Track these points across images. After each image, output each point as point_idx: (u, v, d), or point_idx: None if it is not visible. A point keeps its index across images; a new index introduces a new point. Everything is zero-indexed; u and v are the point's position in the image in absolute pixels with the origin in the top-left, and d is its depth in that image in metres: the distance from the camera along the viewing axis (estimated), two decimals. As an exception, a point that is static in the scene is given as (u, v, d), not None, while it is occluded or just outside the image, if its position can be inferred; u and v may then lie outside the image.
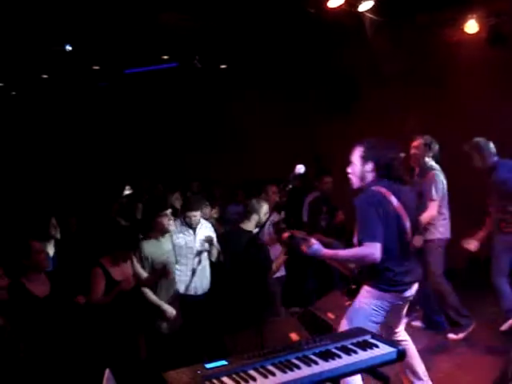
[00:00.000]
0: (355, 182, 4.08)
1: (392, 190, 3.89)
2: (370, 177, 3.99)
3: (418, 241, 5.59)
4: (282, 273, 6.47)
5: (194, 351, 5.13)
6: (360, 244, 3.85)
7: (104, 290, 4.83)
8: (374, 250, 3.74)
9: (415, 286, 4.06)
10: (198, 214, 6.13)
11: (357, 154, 4.04)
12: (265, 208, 5.99)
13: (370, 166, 3.96)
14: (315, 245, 3.97)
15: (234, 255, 5.79)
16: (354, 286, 5.83)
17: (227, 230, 6.83)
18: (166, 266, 5.43)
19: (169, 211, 5.76)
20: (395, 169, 3.99)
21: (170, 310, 5.45)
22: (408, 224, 3.93)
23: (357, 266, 4.17)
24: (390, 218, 3.83)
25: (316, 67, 9.99)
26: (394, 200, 3.86)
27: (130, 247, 5.14)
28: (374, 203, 3.81)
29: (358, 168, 4.02)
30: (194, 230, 6.10)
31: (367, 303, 3.93)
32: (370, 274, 3.95)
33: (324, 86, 10.07)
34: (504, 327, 6.02)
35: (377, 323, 3.94)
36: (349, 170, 4.11)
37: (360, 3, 7.27)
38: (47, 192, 10.23)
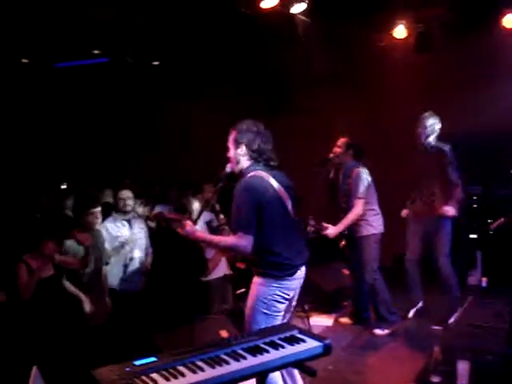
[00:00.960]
0: (233, 166, 4.07)
1: (271, 174, 3.91)
2: (243, 160, 3.97)
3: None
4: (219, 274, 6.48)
5: (124, 348, 5.08)
6: (233, 232, 3.82)
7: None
8: (246, 242, 3.72)
9: (304, 269, 3.99)
10: (130, 195, 6.10)
11: (231, 138, 4.03)
12: (196, 205, 6.00)
13: (242, 150, 3.95)
14: (189, 226, 3.99)
15: (166, 253, 5.78)
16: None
17: (159, 228, 6.80)
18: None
19: (98, 209, 5.68)
20: (267, 152, 3.97)
21: (87, 301, 5.35)
22: (290, 205, 3.95)
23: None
24: (272, 201, 3.82)
25: (249, 66, 10.05)
26: (274, 182, 3.87)
27: (50, 237, 5.04)
28: (253, 190, 3.78)
29: (233, 152, 4.02)
30: (129, 222, 6.06)
31: (263, 295, 3.81)
32: (258, 262, 3.88)
33: (256, 85, 10.15)
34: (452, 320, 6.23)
35: (279, 312, 3.85)
36: (228, 155, 4.10)
37: (292, 5, 7.36)
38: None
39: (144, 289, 6.10)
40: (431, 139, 6.36)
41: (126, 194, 6.15)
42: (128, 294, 5.95)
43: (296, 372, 3.93)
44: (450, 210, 6.21)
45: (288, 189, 3.97)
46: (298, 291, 4.02)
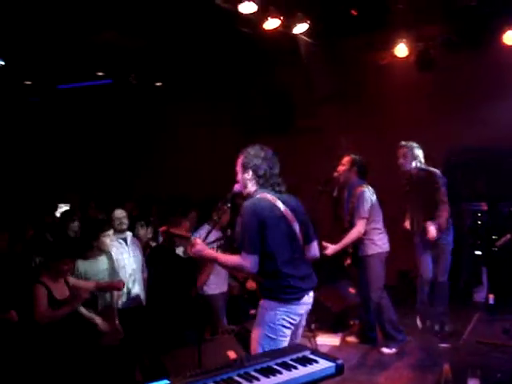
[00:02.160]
0: (241, 189, 4.08)
1: (277, 196, 3.92)
2: (250, 185, 3.99)
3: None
4: (224, 288, 6.47)
5: (132, 368, 5.07)
6: (239, 252, 3.83)
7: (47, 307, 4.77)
8: (250, 262, 3.73)
9: (312, 295, 3.97)
10: (125, 214, 6.17)
11: (239, 162, 4.05)
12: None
13: (249, 174, 3.97)
14: (198, 245, 3.99)
15: (159, 273, 5.78)
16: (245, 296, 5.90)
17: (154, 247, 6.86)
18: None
19: (111, 231, 5.75)
20: (274, 178, 3.98)
21: (102, 323, 5.37)
22: (297, 227, 3.93)
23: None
24: (278, 223, 3.83)
25: (253, 86, 10.12)
26: (280, 205, 3.88)
27: (66, 257, 5.03)
28: (258, 211, 3.79)
29: (240, 176, 4.04)
30: (125, 240, 6.11)
31: (270, 320, 3.80)
32: (264, 284, 3.88)
33: (261, 104, 10.20)
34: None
35: (285, 337, 3.83)
36: (237, 177, 4.11)
37: (294, 26, 7.42)
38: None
39: (146, 306, 6.13)
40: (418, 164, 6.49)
41: (121, 213, 6.23)
42: (128, 311, 5.96)
43: None
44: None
45: (296, 212, 3.96)
46: (304, 317, 4.00)
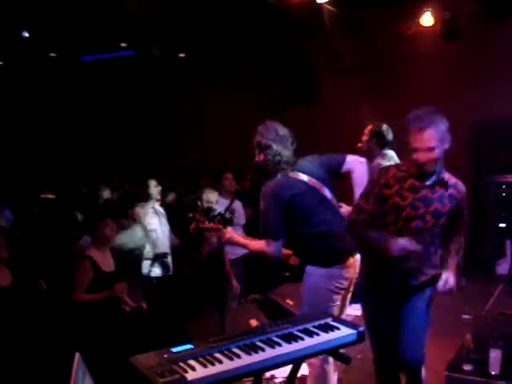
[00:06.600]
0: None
1: (297, 168, 3.82)
2: (267, 164, 3.84)
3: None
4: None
5: (155, 335, 5.11)
6: (262, 237, 3.80)
7: (91, 283, 4.83)
8: (273, 248, 3.73)
9: (358, 257, 3.83)
10: (156, 183, 6.21)
11: (253, 141, 3.90)
12: (208, 196, 5.90)
13: (263, 156, 3.83)
14: (228, 233, 4.00)
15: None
16: (287, 274, 5.90)
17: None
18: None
19: (148, 204, 5.88)
20: (288, 157, 3.80)
21: (129, 300, 5.42)
22: (328, 192, 3.88)
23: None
24: (303, 196, 3.74)
25: (276, 56, 10.06)
26: (303, 177, 3.80)
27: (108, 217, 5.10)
28: (279, 194, 3.71)
29: (256, 155, 3.90)
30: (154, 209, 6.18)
31: (316, 285, 3.77)
32: (304, 251, 3.89)
33: (284, 75, 10.15)
34: None
35: (334, 302, 3.79)
36: None
37: (319, -5, 7.35)
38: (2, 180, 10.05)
39: (173, 275, 6.19)
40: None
41: (155, 183, 6.26)
42: (162, 279, 6.04)
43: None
44: None
45: (317, 173, 3.87)
46: (353, 281, 3.91)
